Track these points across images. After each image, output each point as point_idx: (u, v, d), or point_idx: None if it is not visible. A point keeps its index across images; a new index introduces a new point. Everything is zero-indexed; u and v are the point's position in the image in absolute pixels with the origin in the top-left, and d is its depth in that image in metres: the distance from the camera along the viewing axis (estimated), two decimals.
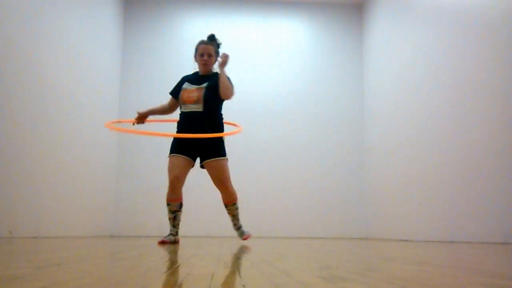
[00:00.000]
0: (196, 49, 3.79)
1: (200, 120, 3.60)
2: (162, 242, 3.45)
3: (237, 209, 3.81)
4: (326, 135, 7.23)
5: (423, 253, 2.38)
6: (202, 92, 3.63)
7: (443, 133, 4.81)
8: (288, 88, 7.30)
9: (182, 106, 3.69)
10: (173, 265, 1.42)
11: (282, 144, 7.16)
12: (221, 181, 3.65)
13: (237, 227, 3.86)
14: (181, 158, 3.59)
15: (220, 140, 3.68)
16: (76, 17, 5.31)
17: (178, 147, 3.63)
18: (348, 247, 3.11)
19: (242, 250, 2.45)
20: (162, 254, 2.05)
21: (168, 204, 3.63)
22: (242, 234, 3.84)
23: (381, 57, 6.70)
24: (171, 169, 3.59)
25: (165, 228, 6.79)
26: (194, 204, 6.63)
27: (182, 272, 1.22)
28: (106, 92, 6.46)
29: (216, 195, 3.86)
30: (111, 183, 6.67)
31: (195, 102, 3.61)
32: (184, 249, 2.52)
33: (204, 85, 3.67)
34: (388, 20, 6.51)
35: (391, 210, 6.09)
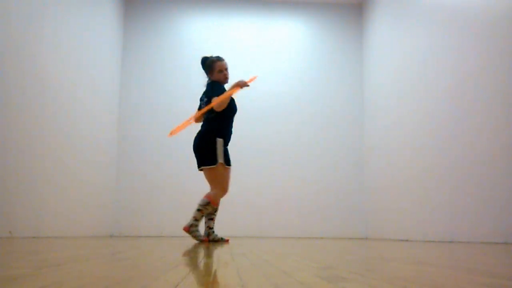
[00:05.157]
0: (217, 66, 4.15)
1: None
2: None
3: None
4: (326, 135, 7.23)
5: (423, 253, 2.38)
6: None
7: (442, 133, 4.81)
8: (288, 88, 7.30)
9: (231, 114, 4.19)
10: (173, 265, 1.42)
11: (282, 143, 7.16)
12: None
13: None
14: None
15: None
16: (77, 17, 5.30)
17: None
18: (348, 247, 3.11)
19: (241, 250, 2.45)
20: (162, 254, 2.05)
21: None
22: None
23: (381, 56, 6.70)
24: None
25: (165, 228, 6.83)
26: (194, 204, 6.61)
27: (182, 272, 1.22)
28: (106, 92, 6.46)
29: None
30: (111, 182, 6.67)
31: None
32: (184, 249, 2.52)
33: None
34: (387, 20, 6.51)
35: (391, 210, 6.09)
